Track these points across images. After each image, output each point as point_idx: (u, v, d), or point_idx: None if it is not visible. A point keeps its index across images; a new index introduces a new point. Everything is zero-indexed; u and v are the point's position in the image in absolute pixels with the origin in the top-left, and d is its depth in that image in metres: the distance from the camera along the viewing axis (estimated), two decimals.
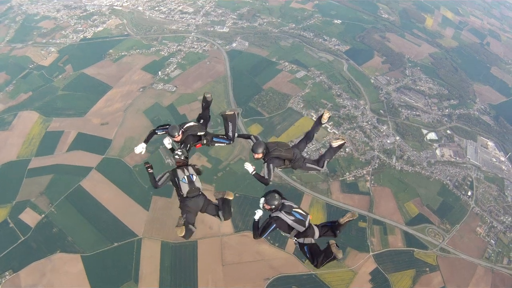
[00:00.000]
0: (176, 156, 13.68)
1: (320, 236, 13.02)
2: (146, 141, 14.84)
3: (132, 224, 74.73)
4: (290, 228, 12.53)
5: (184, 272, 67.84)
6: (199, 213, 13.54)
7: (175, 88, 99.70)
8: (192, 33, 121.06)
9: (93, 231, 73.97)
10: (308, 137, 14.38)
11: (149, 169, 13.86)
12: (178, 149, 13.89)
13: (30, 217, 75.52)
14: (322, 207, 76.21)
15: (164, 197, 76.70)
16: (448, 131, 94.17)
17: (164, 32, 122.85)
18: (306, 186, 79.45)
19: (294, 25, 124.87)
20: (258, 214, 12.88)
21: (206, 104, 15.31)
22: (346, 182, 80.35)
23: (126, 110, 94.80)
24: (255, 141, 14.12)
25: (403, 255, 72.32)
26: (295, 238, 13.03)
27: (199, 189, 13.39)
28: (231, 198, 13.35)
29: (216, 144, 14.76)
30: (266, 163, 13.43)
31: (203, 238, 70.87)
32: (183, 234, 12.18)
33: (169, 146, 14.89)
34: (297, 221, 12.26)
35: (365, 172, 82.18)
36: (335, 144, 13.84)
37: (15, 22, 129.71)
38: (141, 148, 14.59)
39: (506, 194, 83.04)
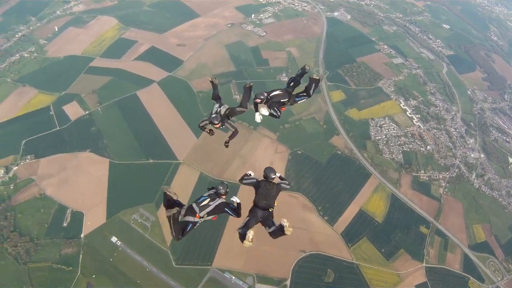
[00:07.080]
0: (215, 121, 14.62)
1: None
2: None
3: (176, 147, 66.50)
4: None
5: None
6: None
7: (264, 33, 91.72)
8: None
9: (132, 141, 66.73)
10: None
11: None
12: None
13: (73, 110, 70.23)
14: (387, 196, 64.88)
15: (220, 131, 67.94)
16: None
17: None
18: (376, 169, 68.25)
19: (401, 15, 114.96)
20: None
21: (302, 72, 15.50)
22: (419, 180, 68.93)
23: (207, 39, 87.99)
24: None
25: (457, 278, 60.19)
26: None
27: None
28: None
29: (298, 102, 15.55)
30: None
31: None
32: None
33: (259, 121, 15.54)
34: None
35: (441, 177, 70.29)
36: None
37: None
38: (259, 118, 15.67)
39: None
